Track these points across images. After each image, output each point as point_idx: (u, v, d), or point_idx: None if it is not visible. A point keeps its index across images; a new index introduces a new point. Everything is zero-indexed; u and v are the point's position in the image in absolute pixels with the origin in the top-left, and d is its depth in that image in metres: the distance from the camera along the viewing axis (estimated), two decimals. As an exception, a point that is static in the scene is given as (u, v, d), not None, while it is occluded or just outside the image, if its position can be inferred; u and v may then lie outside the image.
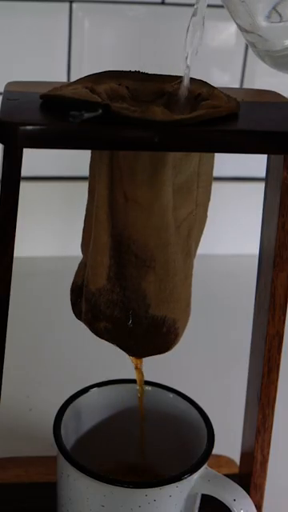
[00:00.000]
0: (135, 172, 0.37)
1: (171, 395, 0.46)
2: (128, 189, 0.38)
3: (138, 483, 0.40)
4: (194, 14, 0.35)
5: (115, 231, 0.39)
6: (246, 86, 0.78)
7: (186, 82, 0.37)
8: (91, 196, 0.40)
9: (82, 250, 0.42)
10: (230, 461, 0.51)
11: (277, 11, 0.35)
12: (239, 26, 0.37)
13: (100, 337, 0.42)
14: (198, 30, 0.36)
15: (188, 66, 0.37)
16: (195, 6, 0.35)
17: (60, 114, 0.34)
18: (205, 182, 0.40)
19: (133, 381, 0.46)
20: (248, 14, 0.35)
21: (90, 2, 0.73)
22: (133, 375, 0.46)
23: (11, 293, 0.38)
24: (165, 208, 0.38)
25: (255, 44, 0.37)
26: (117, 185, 0.38)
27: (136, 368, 0.44)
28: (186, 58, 0.36)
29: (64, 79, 0.75)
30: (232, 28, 0.72)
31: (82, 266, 0.42)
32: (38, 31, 0.73)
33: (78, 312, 0.42)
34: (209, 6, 0.37)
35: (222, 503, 0.41)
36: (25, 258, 0.75)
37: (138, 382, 0.45)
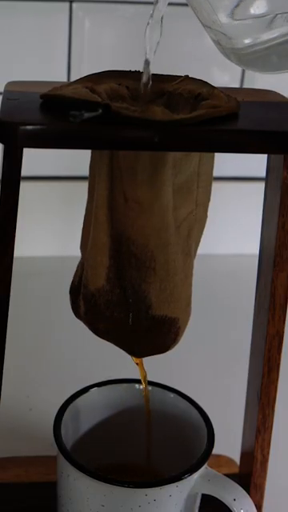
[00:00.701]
0: (135, 172, 0.37)
1: (171, 395, 0.46)
2: (128, 189, 0.38)
3: (138, 483, 0.40)
4: (151, 15, 0.36)
5: (115, 231, 0.39)
6: (246, 85, 0.78)
7: (144, 79, 0.37)
8: (91, 196, 0.40)
9: (82, 250, 0.42)
10: (230, 460, 0.51)
11: (239, 9, 0.35)
12: (202, 23, 0.37)
13: (100, 337, 0.42)
14: (156, 29, 0.36)
15: (147, 61, 0.36)
16: (153, 7, 0.35)
17: (60, 114, 0.34)
18: (205, 181, 0.40)
19: (133, 380, 0.46)
20: (212, 12, 0.35)
21: (90, 1, 0.73)
22: (133, 375, 0.46)
23: (11, 293, 0.38)
24: (165, 208, 0.38)
25: (219, 41, 0.37)
26: (117, 185, 0.38)
27: (137, 364, 0.44)
28: (146, 53, 0.36)
29: (64, 79, 0.75)
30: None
31: (81, 266, 0.42)
32: (38, 31, 0.73)
33: (77, 311, 0.42)
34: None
35: (222, 503, 0.41)
36: (25, 257, 0.75)
37: (141, 378, 0.45)
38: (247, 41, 0.36)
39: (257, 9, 0.35)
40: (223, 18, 0.35)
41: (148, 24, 0.35)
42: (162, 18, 0.35)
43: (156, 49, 0.36)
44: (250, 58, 0.37)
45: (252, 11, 0.35)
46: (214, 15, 0.35)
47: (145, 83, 0.37)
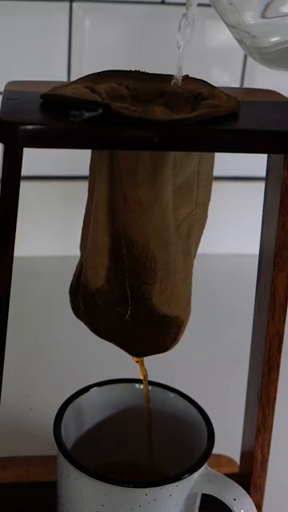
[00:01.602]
0: (135, 172, 0.37)
1: (171, 395, 0.46)
2: (128, 189, 0.38)
3: (138, 483, 0.40)
4: (183, 18, 0.36)
5: (114, 232, 0.39)
6: (246, 85, 0.78)
7: (178, 77, 0.38)
8: (91, 195, 0.40)
9: (81, 250, 0.42)
10: (230, 460, 0.51)
11: (266, 10, 0.35)
12: (226, 23, 0.37)
13: (100, 337, 0.42)
14: (187, 28, 0.36)
15: (180, 58, 0.37)
16: (185, 11, 0.36)
17: (60, 114, 0.34)
18: (205, 181, 0.40)
19: (133, 380, 0.46)
20: (236, 11, 0.35)
21: (90, 1, 0.73)
22: (133, 375, 0.46)
23: (11, 293, 0.38)
24: (165, 208, 0.38)
25: (243, 40, 0.37)
26: (116, 185, 0.38)
27: (137, 362, 0.44)
28: (180, 52, 0.37)
29: (64, 79, 0.75)
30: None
31: (80, 266, 0.42)
32: (38, 31, 0.73)
33: (77, 311, 0.42)
34: (207, 5, 0.37)
35: (222, 503, 0.41)
36: (25, 257, 0.75)
37: (142, 377, 0.45)
38: (272, 39, 0.36)
39: (280, 8, 0.35)
40: (248, 18, 0.35)
41: (180, 26, 0.36)
42: (193, 21, 0.36)
43: (186, 50, 0.37)
44: (273, 57, 0.37)
45: (279, 11, 0.35)
46: (238, 16, 0.35)
47: (179, 80, 0.38)
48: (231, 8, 0.36)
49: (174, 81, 0.38)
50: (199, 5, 0.37)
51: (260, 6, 0.35)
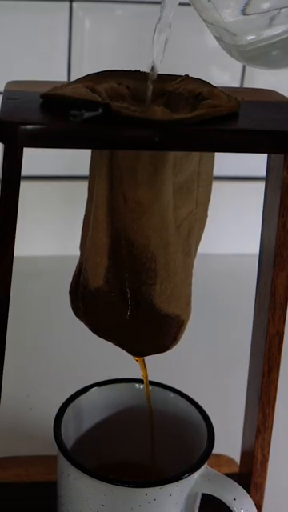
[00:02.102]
0: (135, 172, 0.37)
1: (172, 394, 0.46)
2: (127, 190, 0.38)
3: (138, 482, 0.40)
4: (158, 21, 0.36)
5: (114, 232, 0.39)
6: (246, 85, 0.78)
7: (149, 82, 0.38)
8: (91, 195, 0.40)
9: (81, 250, 0.42)
10: (230, 460, 0.51)
11: (247, 6, 0.35)
12: (205, 20, 0.37)
13: (100, 336, 0.42)
14: (163, 32, 0.36)
15: (154, 67, 0.37)
16: (160, 14, 0.36)
17: (60, 114, 0.34)
18: (205, 181, 0.40)
19: (133, 380, 0.46)
20: (214, 10, 0.35)
21: (91, 1, 0.73)
22: (133, 374, 0.46)
23: (11, 293, 0.38)
24: (165, 208, 0.38)
25: (222, 38, 0.37)
26: (116, 185, 0.38)
27: (137, 361, 0.44)
28: (153, 58, 0.37)
29: (64, 78, 0.75)
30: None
31: (80, 266, 0.42)
32: (38, 30, 0.73)
33: (77, 311, 0.42)
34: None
35: (223, 502, 0.41)
36: (25, 257, 0.75)
37: (143, 377, 0.45)
38: (250, 37, 0.36)
39: (261, 5, 0.35)
40: (226, 15, 0.35)
41: (155, 29, 0.36)
42: (170, 24, 0.36)
43: (163, 54, 0.36)
44: (252, 54, 0.37)
45: (256, 8, 0.35)
46: (216, 13, 0.35)
47: (149, 86, 0.37)
48: (209, 5, 0.35)
49: (149, 82, 0.38)
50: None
51: (240, 3, 0.35)
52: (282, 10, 0.35)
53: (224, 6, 0.35)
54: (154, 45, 0.36)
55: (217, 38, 0.38)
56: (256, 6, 0.35)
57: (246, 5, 0.35)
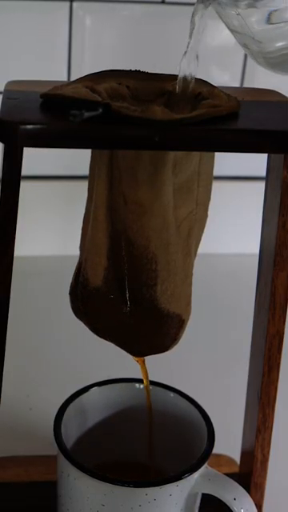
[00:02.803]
0: (135, 172, 0.37)
1: (172, 394, 0.46)
2: (127, 190, 0.38)
3: (138, 482, 0.40)
4: (187, 49, 0.36)
5: (114, 233, 0.39)
6: (247, 85, 0.78)
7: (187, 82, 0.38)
8: (90, 195, 0.40)
9: (80, 250, 0.42)
10: (230, 460, 0.51)
11: (271, 15, 0.36)
12: (231, 29, 0.38)
13: (100, 336, 0.42)
14: (191, 63, 0.37)
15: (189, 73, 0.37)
16: (188, 45, 0.36)
17: (60, 114, 0.34)
18: (205, 181, 0.40)
19: (133, 380, 0.46)
20: (241, 18, 0.36)
21: (91, 0, 0.73)
22: (133, 374, 0.46)
23: (11, 292, 0.38)
24: (165, 208, 0.38)
25: (248, 45, 0.38)
26: (116, 186, 0.38)
27: (137, 362, 0.44)
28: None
29: (64, 78, 0.75)
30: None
31: (79, 266, 0.42)
32: (38, 30, 0.73)
33: (77, 311, 0.42)
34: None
35: (223, 502, 0.41)
36: (25, 257, 0.75)
37: (143, 376, 0.45)
38: (278, 44, 0.36)
39: (285, 14, 0.35)
40: (254, 24, 0.36)
41: (184, 58, 0.36)
42: (197, 56, 0.36)
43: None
44: (278, 61, 0.37)
45: (283, 17, 0.35)
46: (243, 22, 0.36)
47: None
48: (237, 16, 0.36)
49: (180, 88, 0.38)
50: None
51: (264, 12, 0.35)
52: None
53: (250, 15, 0.36)
54: (181, 70, 0.36)
55: (242, 46, 0.38)
56: (280, 16, 0.36)
57: (270, 14, 0.36)
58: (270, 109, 0.38)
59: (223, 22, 0.38)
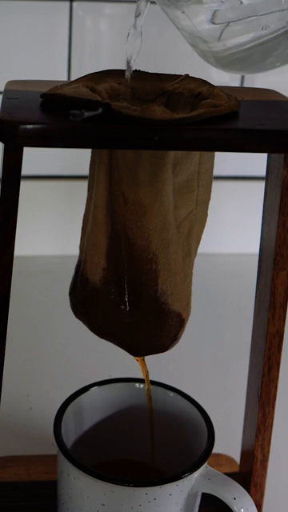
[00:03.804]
0: (135, 172, 0.37)
1: (171, 394, 0.46)
2: (127, 191, 0.38)
3: (138, 482, 0.40)
4: (133, 25, 0.37)
5: (114, 233, 0.39)
6: (247, 84, 0.78)
7: (128, 82, 0.38)
8: (90, 195, 0.40)
9: (80, 250, 0.42)
10: (230, 459, 0.51)
11: (215, 15, 0.36)
12: (179, 29, 0.38)
13: (100, 336, 0.42)
14: (137, 39, 0.38)
15: (129, 68, 0.38)
16: (135, 19, 0.37)
17: (60, 113, 0.34)
18: (205, 180, 0.40)
19: (133, 379, 0.46)
20: (187, 19, 0.36)
21: (91, 0, 0.73)
22: (133, 374, 0.46)
23: (11, 292, 0.38)
24: (166, 208, 0.38)
25: (197, 45, 0.38)
26: (116, 186, 0.38)
27: (138, 361, 0.44)
28: (128, 61, 0.38)
29: (64, 78, 0.75)
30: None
31: (79, 266, 0.42)
32: (38, 30, 0.73)
33: (77, 311, 0.42)
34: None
35: (223, 502, 0.41)
36: (25, 256, 0.75)
37: (143, 376, 0.45)
38: (225, 44, 0.36)
39: (227, 15, 0.35)
40: (199, 23, 0.36)
41: (129, 34, 0.37)
42: (141, 30, 0.37)
43: (136, 57, 0.38)
44: (228, 61, 0.37)
45: (226, 17, 0.35)
46: (190, 23, 0.36)
47: (128, 86, 0.38)
48: (183, 16, 0.36)
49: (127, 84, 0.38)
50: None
51: (209, 12, 0.36)
52: (251, 18, 0.35)
53: (196, 14, 0.36)
54: (128, 47, 0.37)
55: (192, 45, 0.39)
56: (223, 16, 0.36)
57: (214, 14, 0.36)
58: (270, 108, 0.38)
59: (170, 20, 0.38)
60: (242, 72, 0.39)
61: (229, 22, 0.35)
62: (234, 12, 0.35)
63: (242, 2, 0.35)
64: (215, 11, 0.35)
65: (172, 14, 0.37)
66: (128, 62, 0.38)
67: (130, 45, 0.37)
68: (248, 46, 0.36)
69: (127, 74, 0.38)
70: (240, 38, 0.36)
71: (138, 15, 0.37)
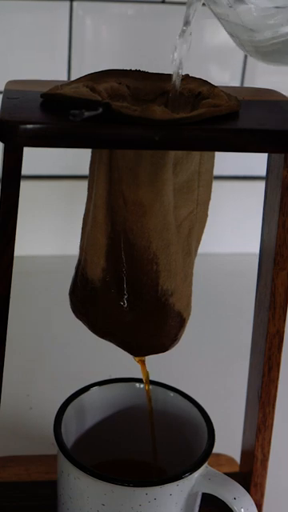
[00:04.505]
0: (135, 172, 0.37)
1: (171, 394, 0.46)
2: (127, 191, 0.38)
3: (138, 482, 0.40)
4: (180, 35, 0.37)
5: (114, 233, 0.39)
6: (247, 84, 0.78)
7: (177, 83, 0.38)
8: (90, 195, 0.40)
9: (80, 250, 0.42)
10: (230, 459, 0.51)
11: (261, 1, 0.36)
12: (217, 17, 0.38)
13: (100, 336, 0.42)
14: (184, 44, 0.37)
15: (178, 71, 0.37)
16: (183, 28, 0.36)
17: (60, 113, 0.34)
18: (205, 180, 0.40)
19: (133, 379, 0.46)
20: (230, 5, 0.36)
21: (91, 0, 0.73)
22: (133, 374, 0.46)
23: (11, 292, 0.38)
24: (166, 208, 0.38)
25: (237, 34, 0.37)
26: (116, 186, 0.38)
27: (138, 362, 0.44)
28: (176, 65, 0.37)
29: (64, 78, 0.75)
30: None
31: (79, 266, 0.42)
32: (38, 30, 0.73)
33: (77, 311, 0.42)
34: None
35: (223, 502, 0.41)
36: (25, 256, 0.75)
37: (143, 376, 0.45)
38: (269, 33, 0.36)
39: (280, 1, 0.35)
40: (243, 12, 0.36)
41: (179, 37, 0.37)
42: (191, 34, 0.37)
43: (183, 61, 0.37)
44: (269, 50, 0.37)
45: (275, 3, 0.35)
46: (233, 10, 0.36)
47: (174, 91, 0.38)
48: (227, 4, 0.36)
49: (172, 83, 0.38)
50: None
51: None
52: None
53: (242, 2, 0.35)
54: (177, 55, 0.37)
55: (230, 35, 0.38)
56: (266, 2, 0.35)
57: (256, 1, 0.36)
58: (271, 108, 0.38)
59: (210, 9, 0.37)
60: (279, 63, 0.38)
61: (277, 8, 0.35)
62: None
63: None
64: None
65: (217, 8, 0.36)
66: (177, 69, 0.37)
67: (179, 51, 0.37)
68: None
69: (175, 80, 0.38)
70: (283, 28, 0.36)
71: (186, 23, 0.36)
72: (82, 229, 0.41)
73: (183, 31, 0.37)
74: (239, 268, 0.77)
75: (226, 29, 0.38)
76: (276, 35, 0.36)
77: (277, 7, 0.35)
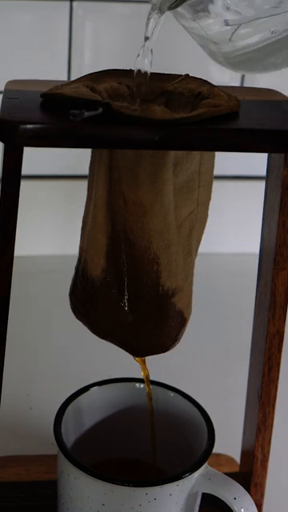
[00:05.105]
0: (135, 172, 0.37)
1: (172, 394, 0.46)
2: (127, 191, 0.38)
3: (138, 482, 0.40)
4: (147, 38, 0.37)
5: (114, 234, 0.39)
6: (247, 84, 0.78)
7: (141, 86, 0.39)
8: (90, 195, 0.40)
9: (80, 250, 0.42)
10: (230, 459, 0.51)
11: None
12: (188, 31, 0.38)
13: (100, 337, 0.42)
14: (146, 58, 0.38)
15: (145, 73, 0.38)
16: (143, 44, 0.37)
17: (60, 113, 0.34)
18: (206, 180, 0.40)
19: (133, 379, 0.46)
20: (196, 23, 0.36)
21: (91, 0, 0.73)
22: (133, 374, 0.46)
23: (11, 292, 0.38)
24: (166, 208, 0.38)
25: (207, 45, 0.38)
26: (116, 187, 0.38)
27: (138, 362, 0.44)
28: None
29: (64, 78, 0.75)
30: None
31: (79, 266, 0.42)
32: (38, 30, 0.73)
33: (77, 312, 0.42)
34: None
35: (223, 502, 0.41)
36: (25, 257, 0.75)
37: (144, 376, 0.45)
38: (235, 45, 0.37)
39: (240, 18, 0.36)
40: (209, 25, 0.36)
41: (140, 52, 0.37)
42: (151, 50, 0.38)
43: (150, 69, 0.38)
44: (237, 61, 0.37)
45: (236, 21, 0.36)
46: (197, 24, 0.36)
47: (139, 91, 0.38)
48: (194, 22, 0.36)
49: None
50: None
51: (220, 16, 0.36)
52: (259, 20, 0.36)
53: (206, 20, 0.36)
54: (138, 64, 0.38)
55: (201, 46, 0.39)
56: (233, 21, 0.36)
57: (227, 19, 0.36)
58: (271, 108, 0.38)
59: (179, 23, 0.38)
60: (250, 72, 0.39)
61: (239, 25, 0.36)
62: (243, 16, 0.36)
63: (251, 5, 0.35)
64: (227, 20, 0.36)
65: (183, 21, 0.37)
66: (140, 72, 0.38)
67: (139, 65, 0.38)
68: (257, 46, 0.37)
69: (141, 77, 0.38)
70: (249, 39, 0.36)
71: (146, 39, 0.37)
72: (82, 229, 0.41)
73: (143, 47, 0.37)
74: (240, 268, 0.77)
75: (195, 40, 0.39)
76: (237, 48, 0.37)
77: (229, 25, 0.36)
